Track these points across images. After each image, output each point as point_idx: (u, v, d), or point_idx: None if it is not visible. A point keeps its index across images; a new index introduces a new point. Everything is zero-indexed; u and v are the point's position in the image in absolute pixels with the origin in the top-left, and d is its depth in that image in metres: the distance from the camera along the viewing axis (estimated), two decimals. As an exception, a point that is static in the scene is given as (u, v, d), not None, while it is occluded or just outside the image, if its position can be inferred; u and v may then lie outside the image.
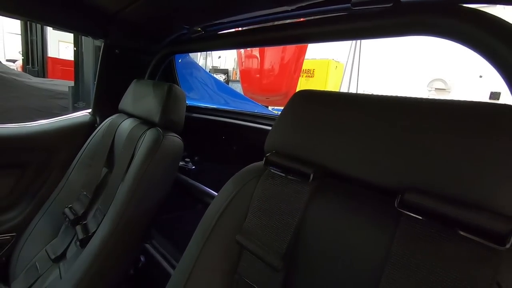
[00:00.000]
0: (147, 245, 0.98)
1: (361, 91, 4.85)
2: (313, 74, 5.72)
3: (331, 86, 5.53)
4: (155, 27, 0.98)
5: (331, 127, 0.41)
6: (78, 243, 0.79)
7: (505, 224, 0.25)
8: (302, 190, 0.40)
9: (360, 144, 0.37)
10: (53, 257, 0.83)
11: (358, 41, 5.22)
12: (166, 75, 1.20)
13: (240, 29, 0.85)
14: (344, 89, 5.33)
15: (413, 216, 0.30)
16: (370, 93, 0.42)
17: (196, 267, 0.46)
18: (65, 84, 2.61)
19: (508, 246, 0.25)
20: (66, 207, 0.89)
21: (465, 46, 0.44)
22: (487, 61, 0.41)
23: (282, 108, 0.49)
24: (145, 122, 0.86)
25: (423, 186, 0.31)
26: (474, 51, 0.43)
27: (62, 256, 0.83)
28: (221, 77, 6.90)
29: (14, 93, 2.32)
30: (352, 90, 5.19)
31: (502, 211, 0.26)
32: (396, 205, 0.31)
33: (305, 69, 5.58)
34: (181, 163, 1.07)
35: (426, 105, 0.34)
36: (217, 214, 0.48)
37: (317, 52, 5.49)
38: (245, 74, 6.19)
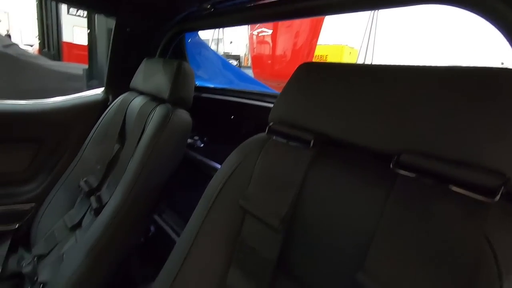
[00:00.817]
0: (157, 217, 1.02)
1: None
2: (325, 60, 5.63)
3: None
4: (165, 5, 0.98)
5: (332, 96, 0.41)
6: (92, 212, 0.83)
7: (495, 178, 0.26)
8: (303, 157, 0.41)
9: (359, 111, 0.37)
10: (70, 225, 0.88)
11: (373, 27, 5.05)
12: (176, 54, 1.21)
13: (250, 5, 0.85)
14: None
15: (407, 176, 0.31)
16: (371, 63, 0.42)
17: (200, 232, 0.49)
18: (79, 67, 2.67)
19: (496, 199, 0.25)
20: (82, 180, 0.94)
21: (466, 9, 0.43)
22: (489, 23, 0.41)
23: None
24: (155, 98, 0.88)
25: (419, 148, 0.31)
26: (475, 13, 0.43)
27: (78, 225, 0.88)
28: (232, 63, 6.87)
29: (32, 75, 2.40)
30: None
31: (492, 168, 0.27)
32: (391, 166, 0.32)
33: (318, 55, 5.49)
34: (190, 140, 1.09)
35: (422, 71, 0.34)
36: (221, 183, 0.50)
37: (330, 38, 5.37)
38: (257, 60, 6.12)
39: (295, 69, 0.50)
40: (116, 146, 0.95)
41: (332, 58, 5.59)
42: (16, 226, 1.01)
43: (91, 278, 0.70)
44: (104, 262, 0.73)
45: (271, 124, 0.47)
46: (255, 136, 0.52)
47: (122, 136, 0.95)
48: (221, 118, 1.12)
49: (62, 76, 2.55)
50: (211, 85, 1.26)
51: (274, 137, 0.46)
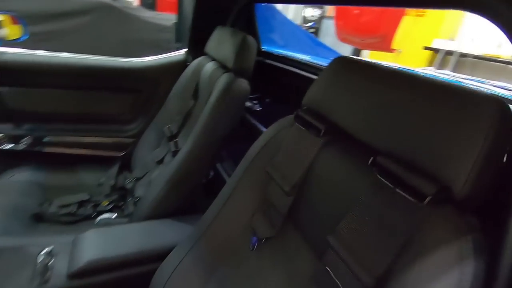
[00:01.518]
0: (218, 165, 1.25)
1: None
2: (424, 12, 4.78)
3: (446, 28, 4.56)
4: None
5: (349, 92, 0.49)
6: (171, 153, 1.09)
7: (432, 187, 0.33)
8: (315, 142, 0.52)
9: (365, 110, 0.45)
10: (156, 160, 1.17)
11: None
12: (247, 23, 1.30)
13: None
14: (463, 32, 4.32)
15: (376, 173, 0.40)
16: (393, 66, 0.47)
17: (238, 186, 0.66)
18: (170, 19, 2.96)
19: (425, 203, 0.33)
20: (165, 126, 1.20)
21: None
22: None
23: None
24: (222, 66, 1.03)
25: (393, 151, 0.39)
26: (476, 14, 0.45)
27: (161, 161, 1.16)
28: (316, 12, 6.40)
29: (132, 27, 2.79)
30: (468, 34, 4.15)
31: (441, 180, 0.34)
32: (369, 163, 0.41)
33: (415, 6, 4.68)
34: (248, 104, 1.24)
35: (418, 81, 0.40)
36: (256, 151, 0.64)
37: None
38: (342, 9, 5.58)
39: (333, 60, 0.57)
40: (192, 102, 1.16)
41: (431, 12, 4.71)
42: (122, 154, 1.37)
43: (168, 200, 0.97)
44: (177, 190, 0.99)
45: (297, 111, 0.57)
46: (289, 116, 0.63)
47: (196, 94, 1.15)
48: (280, 85, 1.22)
49: (155, 27, 2.89)
50: (282, 50, 1.33)
51: (296, 124, 0.57)
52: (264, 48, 1.32)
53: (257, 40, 1.33)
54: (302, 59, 1.10)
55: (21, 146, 1.21)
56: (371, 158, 0.40)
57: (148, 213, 0.96)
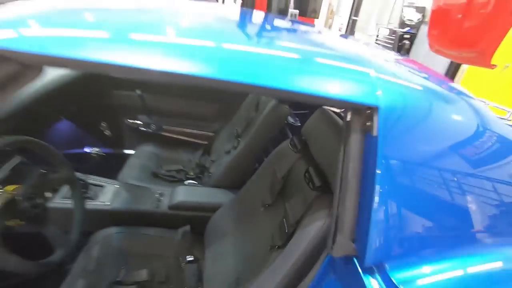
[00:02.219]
0: (265, 159, 1.73)
1: None
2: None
3: None
4: None
5: (317, 130, 0.90)
6: (234, 148, 1.62)
7: (318, 183, 0.74)
8: (295, 156, 0.94)
9: (321, 143, 0.86)
10: (225, 151, 1.72)
11: None
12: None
13: None
14: None
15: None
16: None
17: (261, 173, 1.12)
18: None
19: (313, 190, 0.74)
20: (235, 128, 1.73)
21: None
22: None
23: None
24: None
25: (322, 166, 0.80)
26: None
27: (228, 152, 1.70)
28: (416, 16, 6.04)
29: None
30: None
31: (328, 182, 0.74)
32: (305, 172, 0.82)
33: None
34: (291, 120, 1.66)
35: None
36: (273, 155, 1.09)
37: None
38: (439, 16, 5.12)
39: (318, 109, 0.98)
40: (253, 114, 1.65)
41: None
42: (206, 143, 1.99)
43: (226, 178, 1.51)
44: (232, 173, 1.51)
45: (292, 137, 1.00)
46: (289, 139, 1.05)
47: (257, 108, 1.64)
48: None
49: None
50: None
51: (290, 144, 1.00)
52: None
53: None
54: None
55: (150, 129, 1.94)
56: (307, 168, 0.82)
57: (214, 184, 1.52)
